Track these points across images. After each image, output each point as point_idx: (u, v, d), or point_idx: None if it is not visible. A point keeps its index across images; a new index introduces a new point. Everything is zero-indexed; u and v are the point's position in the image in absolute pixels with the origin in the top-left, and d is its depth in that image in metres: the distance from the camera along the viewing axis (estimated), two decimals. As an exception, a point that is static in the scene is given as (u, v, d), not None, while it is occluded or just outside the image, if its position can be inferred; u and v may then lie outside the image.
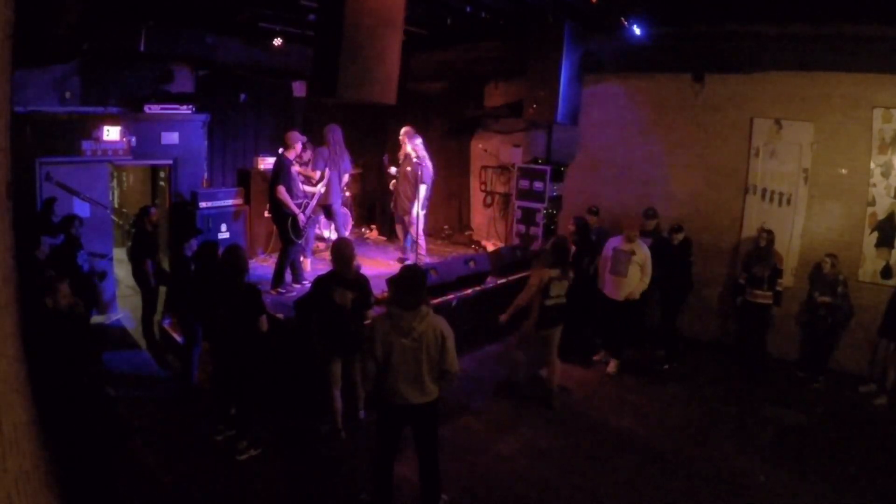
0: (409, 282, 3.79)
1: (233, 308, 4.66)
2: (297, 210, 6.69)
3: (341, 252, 4.86)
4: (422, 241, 7.91)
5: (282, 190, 6.56)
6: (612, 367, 6.75)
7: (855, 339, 6.78)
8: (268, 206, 7.17)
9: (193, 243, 5.89)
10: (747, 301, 6.84)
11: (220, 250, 5.09)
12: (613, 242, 6.64)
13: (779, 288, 6.72)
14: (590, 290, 6.90)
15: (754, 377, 6.75)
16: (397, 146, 8.07)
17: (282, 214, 6.68)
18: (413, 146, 7.69)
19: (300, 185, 6.92)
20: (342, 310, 4.77)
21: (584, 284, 7.06)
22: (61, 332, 4.18)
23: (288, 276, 6.85)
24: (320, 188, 7.15)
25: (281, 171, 6.63)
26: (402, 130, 7.86)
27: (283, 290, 6.55)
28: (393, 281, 3.88)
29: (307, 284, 6.37)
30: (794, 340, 7.16)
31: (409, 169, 7.71)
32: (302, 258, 7.23)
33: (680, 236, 6.96)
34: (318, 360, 5.02)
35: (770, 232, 6.85)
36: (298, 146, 6.86)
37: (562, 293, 5.71)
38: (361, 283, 4.95)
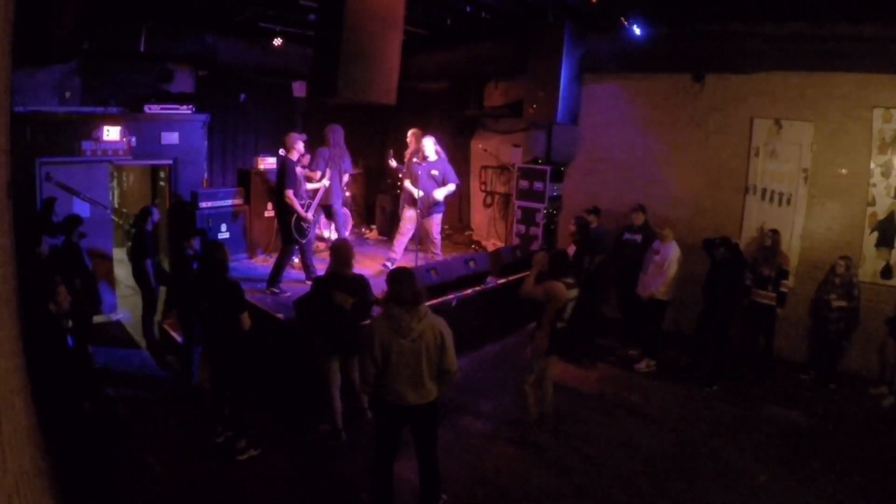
0: (400, 280, 3.76)
1: (215, 305, 4.65)
2: (303, 212, 6.74)
3: (341, 253, 4.88)
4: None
5: (290, 194, 6.64)
6: (642, 365, 6.87)
7: (854, 338, 6.75)
8: (270, 205, 7.17)
9: (195, 243, 5.89)
10: (752, 301, 6.83)
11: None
12: (656, 245, 6.83)
13: (783, 289, 6.71)
14: (590, 290, 6.88)
15: (756, 378, 6.74)
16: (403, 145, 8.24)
17: (286, 215, 6.72)
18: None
19: (305, 186, 6.96)
20: (341, 310, 4.78)
21: (584, 283, 7.05)
22: (64, 335, 4.19)
23: (294, 274, 6.95)
24: (325, 182, 7.18)
25: (287, 174, 6.68)
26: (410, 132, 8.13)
27: (277, 290, 6.55)
28: (388, 283, 3.88)
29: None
30: (797, 341, 7.15)
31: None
32: (296, 258, 7.26)
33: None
34: (317, 360, 5.02)
35: (776, 232, 6.85)
36: (300, 145, 6.86)
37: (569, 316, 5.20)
38: (361, 283, 4.95)
